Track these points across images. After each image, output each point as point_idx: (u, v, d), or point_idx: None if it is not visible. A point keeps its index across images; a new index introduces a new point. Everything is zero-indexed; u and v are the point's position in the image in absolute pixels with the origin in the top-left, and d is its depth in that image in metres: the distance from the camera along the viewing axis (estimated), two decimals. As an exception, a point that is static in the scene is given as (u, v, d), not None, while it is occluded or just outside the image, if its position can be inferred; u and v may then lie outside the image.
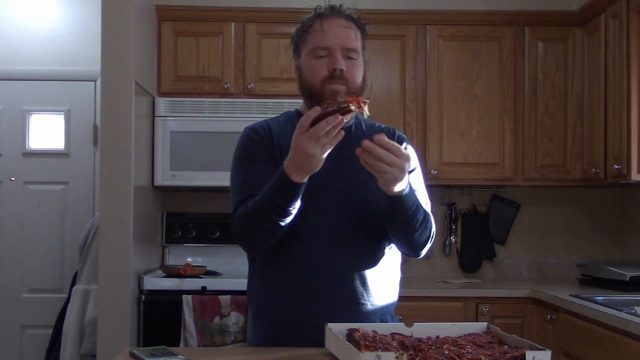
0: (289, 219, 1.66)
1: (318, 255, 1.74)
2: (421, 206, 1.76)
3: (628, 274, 3.22)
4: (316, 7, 1.83)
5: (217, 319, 3.22)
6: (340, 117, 1.51)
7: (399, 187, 1.63)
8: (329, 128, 1.50)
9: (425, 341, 1.49)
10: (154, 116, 3.60)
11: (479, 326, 1.64)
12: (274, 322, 1.80)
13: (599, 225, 4.01)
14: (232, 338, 3.21)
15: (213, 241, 3.83)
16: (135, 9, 3.27)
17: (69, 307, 3.55)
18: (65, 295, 3.75)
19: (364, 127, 1.90)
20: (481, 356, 1.38)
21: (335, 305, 1.73)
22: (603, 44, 3.42)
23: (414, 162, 1.87)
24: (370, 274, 1.79)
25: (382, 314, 1.82)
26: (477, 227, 3.98)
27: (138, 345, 3.24)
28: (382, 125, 1.95)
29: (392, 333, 1.56)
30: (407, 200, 1.67)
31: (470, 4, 3.75)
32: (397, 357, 1.33)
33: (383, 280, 1.82)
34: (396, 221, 1.73)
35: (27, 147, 4.25)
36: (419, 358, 1.37)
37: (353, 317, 1.71)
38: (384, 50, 3.70)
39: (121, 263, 3.19)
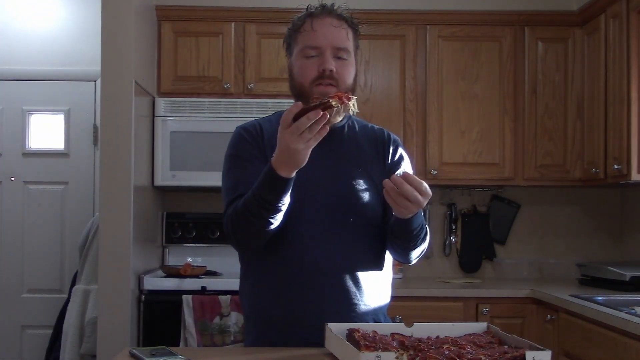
0: (278, 216, 1.65)
1: (311, 256, 1.73)
2: (425, 223, 1.76)
3: (628, 274, 3.22)
4: (307, 6, 1.82)
5: (217, 319, 3.22)
6: (322, 112, 1.50)
7: (410, 214, 1.64)
8: (310, 123, 1.50)
9: (425, 341, 1.49)
10: (154, 116, 3.60)
11: (479, 326, 1.64)
12: (267, 323, 1.79)
13: (599, 225, 4.01)
14: (232, 338, 3.21)
15: (213, 241, 3.83)
16: (135, 9, 3.27)
17: (69, 307, 3.55)
18: (65, 296, 3.75)
19: (357, 128, 1.89)
20: (481, 356, 1.38)
21: (328, 305, 1.73)
22: (603, 44, 3.42)
23: (408, 167, 1.88)
24: (363, 274, 1.78)
25: (375, 314, 1.81)
26: (477, 227, 3.98)
27: (138, 345, 3.24)
28: (376, 127, 1.94)
29: (392, 333, 1.56)
30: (414, 222, 1.68)
31: (470, 4, 3.75)
32: (397, 357, 1.33)
33: (376, 281, 1.82)
34: (399, 238, 1.74)
35: (27, 147, 4.26)
36: (419, 358, 1.37)
37: (346, 318, 1.70)
38: (384, 50, 3.70)
39: (121, 263, 3.19)
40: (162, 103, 3.60)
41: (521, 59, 3.73)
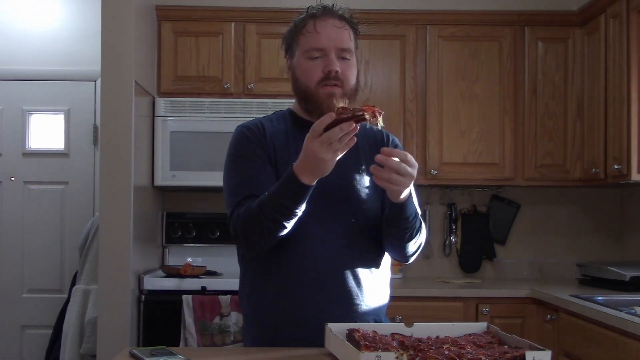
0: (293, 221, 1.65)
1: (312, 256, 1.74)
2: (418, 214, 1.76)
3: (628, 274, 3.22)
4: (308, 7, 1.82)
5: (217, 319, 3.22)
6: (355, 124, 1.51)
7: (404, 194, 1.64)
8: (342, 134, 1.51)
9: (425, 341, 1.49)
10: (154, 116, 3.60)
11: (479, 326, 1.64)
12: (267, 323, 1.79)
13: (599, 225, 4.01)
14: (232, 338, 3.21)
15: (213, 241, 3.83)
16: (135, 9, 3.27)
17: (69, 307, 3.55)
18: (65, 296, 3.75)
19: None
20: (481, 356, 1.38)
21: (329, 305, 1.73)
22: (603, 44, 3.42)
23: None
24: (364, 274, 1.78)
25: (376, 314, 1.81)
26: (477, 227, 3.98)
27: (138, 345, 3.24)
28: (375, 128, 1.94)
29: (392, 333, 1.56)
30: (408, 207, 1.69)
31: (470, 4, 3.75)
32: (397, 357, 1.33)
33: (377, 281, 1.82)
34: (396, 227, 1.73)
35: (27, 147, 4.26)
36: (419, 358, 1.37)
37: (347, 318, 1.70)
38: (384, 50, 3.70)
39: (121, 263, 3.19)
40: (162, 103, 3.60)
41: (521, 59, 3.73)
